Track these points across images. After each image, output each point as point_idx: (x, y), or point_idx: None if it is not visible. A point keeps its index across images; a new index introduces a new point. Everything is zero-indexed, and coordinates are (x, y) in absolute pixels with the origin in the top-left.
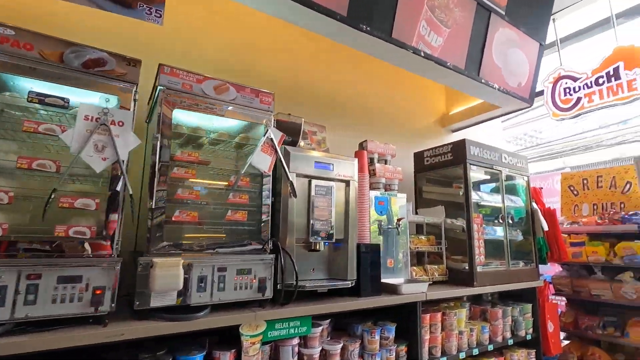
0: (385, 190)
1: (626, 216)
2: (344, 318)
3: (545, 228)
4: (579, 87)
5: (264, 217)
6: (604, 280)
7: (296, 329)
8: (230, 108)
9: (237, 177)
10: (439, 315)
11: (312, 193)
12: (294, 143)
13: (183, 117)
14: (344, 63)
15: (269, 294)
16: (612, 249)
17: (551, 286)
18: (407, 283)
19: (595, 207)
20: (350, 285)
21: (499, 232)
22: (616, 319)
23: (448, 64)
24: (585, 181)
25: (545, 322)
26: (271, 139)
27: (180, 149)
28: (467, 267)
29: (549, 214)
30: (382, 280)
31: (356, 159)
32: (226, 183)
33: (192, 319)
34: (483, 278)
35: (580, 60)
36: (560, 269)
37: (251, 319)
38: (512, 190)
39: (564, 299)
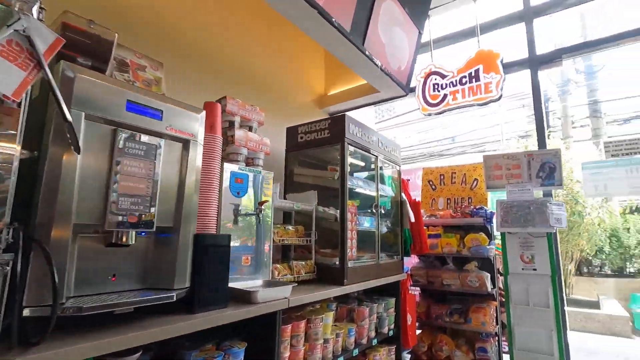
0: (246, 165)
1: (474, 210)
2: (177, 339)
3: (412, 220)
4: (446, 85)
5: None
6: (454, 270)
7: None
8: None
9: None
10: (302, 323)
11: (119, 152)
12: (99, 71)
13: None
14: (214, 4)
15: None
16: (462, 241)
17: (410, 277)
18: (266, 287)
19: (449, 201)
20: (175, 299)
21: (371, 223)
22: (461, 306)
23: (333, 20)
24: (442, 177)
25: (405, 315)
26: (28, 38)
27: None
28: (337, 263)
29: (415, 206)
30: (232, 285)
31: (204, 112)
32: None
33: None
34: (354, 275)
35: (450, 58)
36: (418, 260)
37: None
38: (383, 179)
39: (418, 289)
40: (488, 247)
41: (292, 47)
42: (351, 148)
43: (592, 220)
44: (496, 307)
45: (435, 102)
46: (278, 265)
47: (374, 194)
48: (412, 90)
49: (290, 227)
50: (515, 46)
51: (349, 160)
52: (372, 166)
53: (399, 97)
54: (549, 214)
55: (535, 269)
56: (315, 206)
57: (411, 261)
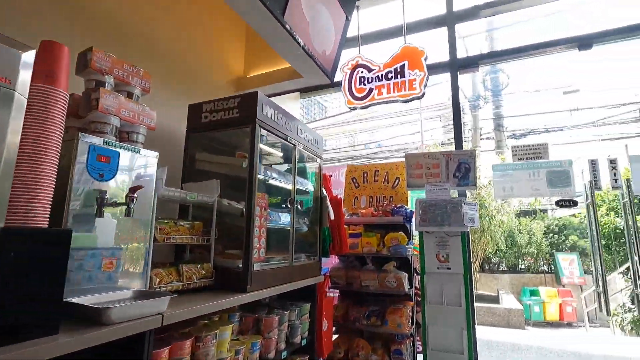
0: (120, 141)
1: (395, 208)
2: None
3: (332, 217)
4: (372, 79)
5: None
6: (373, 271)
7: None
8: None
9: None
10: (187, 343)
11: None
12: None
13: None
14: None
15: None
16: (382, 240)
17: (329, 279)
18: (132, 301)
19: (371, 199)
20: None
21: (285, 219)
22: (379, 308)
23: None
24: (365, 174)
25: (321, 321)
26: None
27: None
28: (241, 266)
29: (336, 203)
30: (76, 300)
31: (33, 52)
32: None
33: None
34: (261, 279)
35: (377, 55)
36: (338, 261)
37: None
38: (302, 172)
39: (337, 291)
40: (407, 246)
41: (207, 20)
42: (264, 132)
43: (496, 222)
44: (412, 307)
45: (361, 95)
46: (161, 271)
47: (289, 187)
48: (339, 84)
49: (182, 223)
50: (438, 51)
51: (264, 148)
52: (290, 156)
53: (325, 87)
54: (463, 213)
55: (449, 268)
56: (217, 198)
57: (331, 262)
